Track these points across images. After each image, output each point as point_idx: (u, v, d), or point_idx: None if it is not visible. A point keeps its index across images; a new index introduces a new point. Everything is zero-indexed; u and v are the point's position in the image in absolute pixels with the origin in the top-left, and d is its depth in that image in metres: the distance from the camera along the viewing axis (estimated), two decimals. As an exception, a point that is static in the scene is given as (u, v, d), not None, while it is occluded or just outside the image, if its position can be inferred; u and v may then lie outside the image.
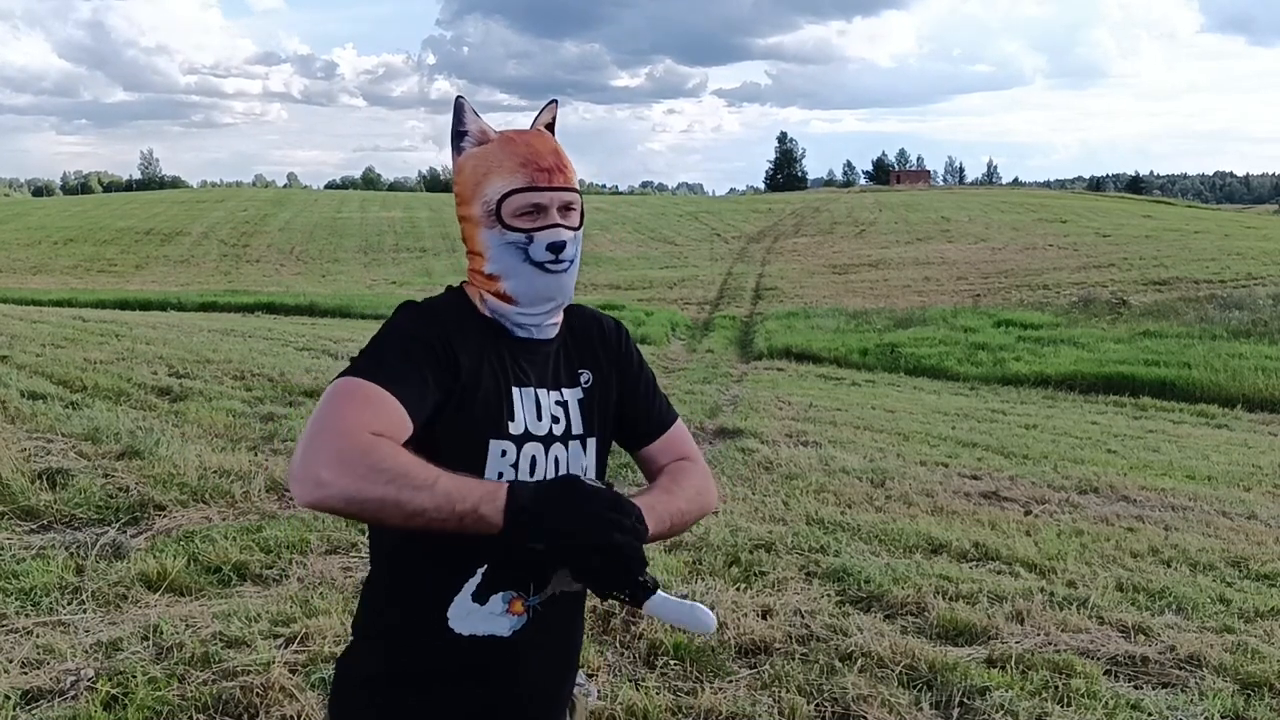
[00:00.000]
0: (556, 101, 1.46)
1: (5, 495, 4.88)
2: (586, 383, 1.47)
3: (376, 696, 1.39)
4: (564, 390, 1.44)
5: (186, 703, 2.96)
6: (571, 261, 1.39)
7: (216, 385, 8.92)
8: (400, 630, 1.39)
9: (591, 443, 1.46)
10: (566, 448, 1.42)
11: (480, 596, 1.36)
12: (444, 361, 1.30)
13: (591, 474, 1.45)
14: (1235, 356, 14.75)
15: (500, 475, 1.34)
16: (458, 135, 1.39)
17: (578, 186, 1.41)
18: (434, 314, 1.37)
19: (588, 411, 1.46)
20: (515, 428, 1.36)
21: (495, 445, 1.34)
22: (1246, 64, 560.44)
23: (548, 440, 1.40)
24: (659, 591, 1.21)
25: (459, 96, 1.38)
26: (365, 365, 1.26)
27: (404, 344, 1.29)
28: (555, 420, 1.41)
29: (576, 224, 1.40)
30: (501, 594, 1.37)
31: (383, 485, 1.14)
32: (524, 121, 1.46)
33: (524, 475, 1.36)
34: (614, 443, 1.54)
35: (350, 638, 1.47)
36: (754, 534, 5.01)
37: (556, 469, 1.40)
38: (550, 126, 1.45)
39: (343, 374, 1.25)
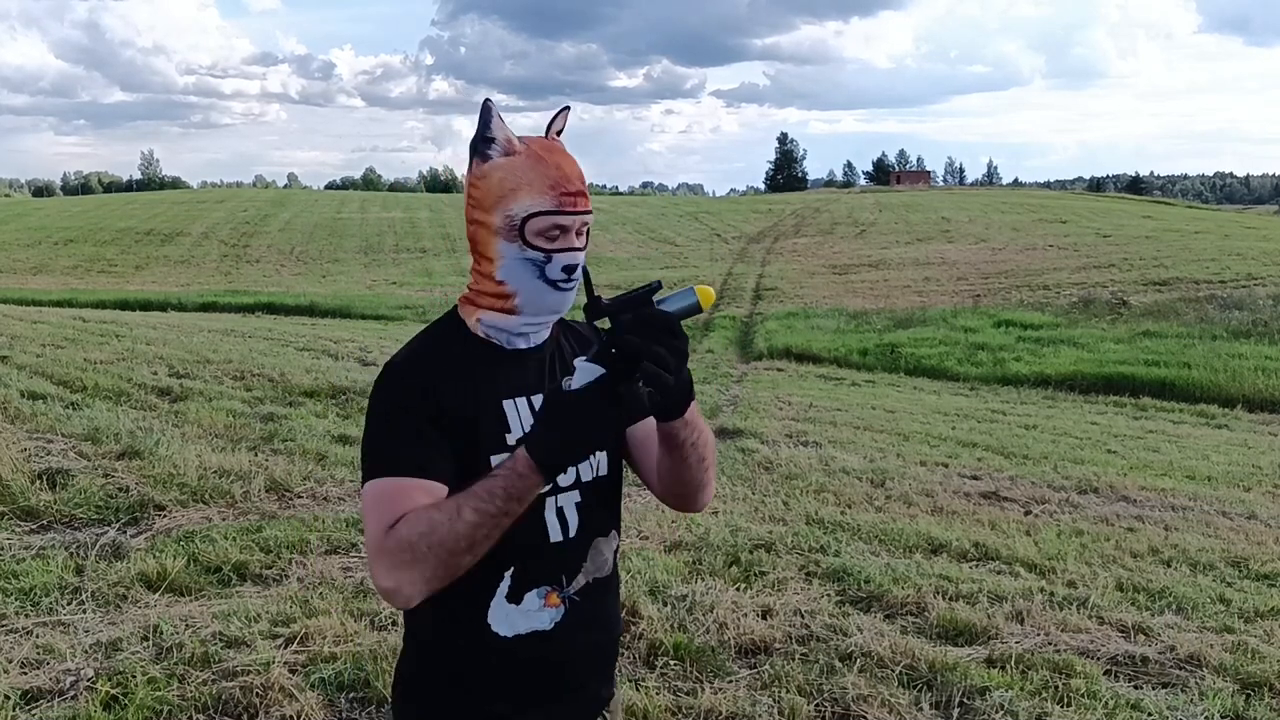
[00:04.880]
0: (569, 108, 1.46)
1: (5, 495, 4.87)
2: None
3: (436, 700, 1.44)
4: None
5: (186, 703, 2.96)
6: (577, 279, 1.42)
7: (216, 385, 8.92)
8: (448, 640, 1.42)
9: None
10: None
11: (514, 597, 1.40)
12: (434, 417, 1.35)
13: (603, 469, 1.48)
14: (1235, 357, 14.77)
15: None
16: (484, 141, 1.38)
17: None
18: (412, 370, 1.39)
19: None
20: (513, 438, 1.39)
21: (495, 460, 1.36)
22: (1244, 64, 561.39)
23: None
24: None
25: (487, 100, 1.38)
26: (373, 464, 1.34)
27: (394, 425, 1.36)
28: None
29: (586, 243, 1.44)
30: (535, 590, 1.41)
31: (427, 556, 1.24)
32: (523, 123, 1.47)
33: None
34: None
35: (402, 644, 1.51)
36: (754, 534, 5.01)
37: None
38: (559, 132, 1.46)
39: (363, 478, 1.35)
